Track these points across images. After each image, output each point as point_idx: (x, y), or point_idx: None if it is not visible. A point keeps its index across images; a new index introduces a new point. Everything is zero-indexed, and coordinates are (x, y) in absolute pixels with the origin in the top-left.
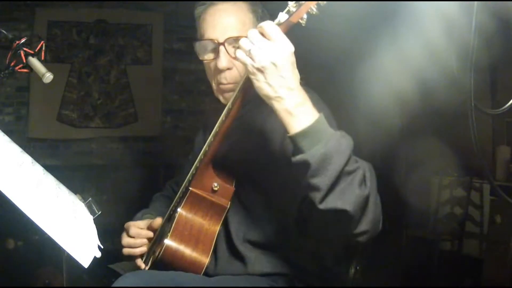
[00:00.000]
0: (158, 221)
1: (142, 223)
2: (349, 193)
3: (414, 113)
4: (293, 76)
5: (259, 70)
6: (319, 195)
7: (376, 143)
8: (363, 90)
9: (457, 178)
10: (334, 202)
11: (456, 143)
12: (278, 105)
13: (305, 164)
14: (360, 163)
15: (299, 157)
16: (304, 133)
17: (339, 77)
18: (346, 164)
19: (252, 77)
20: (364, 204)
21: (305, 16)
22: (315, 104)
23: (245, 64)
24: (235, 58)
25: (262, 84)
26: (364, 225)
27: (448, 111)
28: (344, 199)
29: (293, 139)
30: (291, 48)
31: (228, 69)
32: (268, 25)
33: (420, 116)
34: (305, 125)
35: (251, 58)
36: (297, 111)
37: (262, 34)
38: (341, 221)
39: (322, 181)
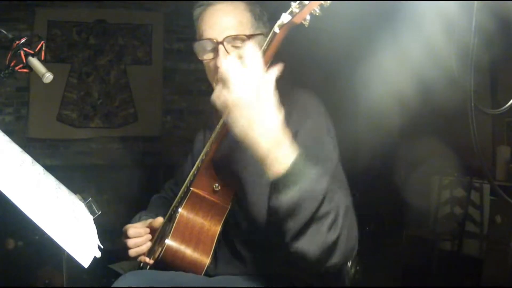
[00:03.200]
0: (159, 220)
1: (139, 225)
2: (317, 238)
3: (414, 113)
4: (266, 116)
5: (231, 109)
6: (288, 236)
7: (376, 143)
8: (363, 90)
9: (457, 178)
10: (301, 245)
11: (456, 143)
12: (252, 147)
13: (278, 207)
14: (334, 203)
15: (274, 200)
16: (278, 178)
17: (339, 77)
18: (317, 209)
19: (225, 112)
20: (332, 247)
21: (308, 17)
22: (314, 109)
23: (218, 100)
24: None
25: (236, 125)
26: (332, 261)
27: (448, 111)
28: (310, 243)
29: (270, 180)
30: (269, 84)
31: None
32: (250, 53)
33: (420, 116)
34: (279, 171)
35: (224, 93)
36: (270, 156)
37: (243, 60)
38: (307, 260)
39: (291, 225)
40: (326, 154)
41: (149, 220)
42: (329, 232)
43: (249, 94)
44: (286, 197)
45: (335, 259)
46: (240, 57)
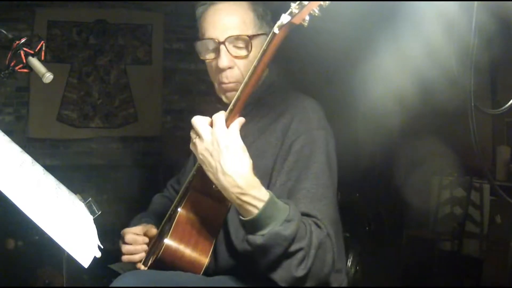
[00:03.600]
0: (152, 231)
1: (138, 229)
2: (287, 274)
3: (414, 113)
4: (234, 165)
5: (201, 161)
6: (259, 268)
7: (376, 143)
8: (363, 90)
9: (457, 178)
10: (273, 276)
11: (456, 143)
12: (224, 193)
13: (249, 244)
14: (305, 241)
15: (246, 236)
16: (248, 221)
17: (339, 77)
18: (286, 249)
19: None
20: (302, 280)
21: (307, 17)
22: (314, 122)
23: (193, 148)
24: (236, 57)
25: (207, 173)
26: (305, 285)
27: (448, 111)
28: (281, 278)
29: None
30: (230, 136)
31: (230, 68)
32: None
33: (420, 116)
34: (249, 215)
35: (194, 148)
36: (240, 200)
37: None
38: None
39: (261, 261)
40: (317, 172)
41: (148, 226)
42: (299, 268)
43: (213, 150)
44: (255, 239)
45: (307, 284)
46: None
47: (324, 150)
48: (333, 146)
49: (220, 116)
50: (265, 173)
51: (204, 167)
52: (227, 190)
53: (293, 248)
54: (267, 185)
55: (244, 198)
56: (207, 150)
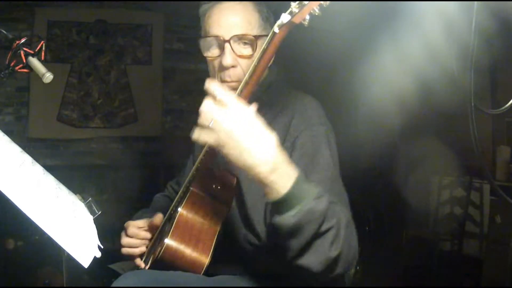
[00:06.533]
0: (159, 217)
1: (141, 223)
2: (320, 255)
3: (414, 113)
4: (260, 142)
5: (221, 145)
6: (289, 254)
7: (376, 143)
8: (363, 90)
9: (457, 178)
10: (304, 261)
11: (456, 143)
12: (249, 173)
13: (279, 227)
14: (335, 219)
15: (275, 220)
16: (278, 201)
17: (339, 77)
18: (319, 228)
19: (217, 148)
20: (335, 261)
21: (307, 17)
22: (315, 118)
23: (206, 142)
24: (240, 56)
25: (230, 156)
26: (336, 272)
27: (448, 111)
28: (312, 260)
29: (269, 203)
30: (249, 112)
31: (233, 66)
32: (220, 94)
33: (420, 116)
34: (279, 194)
35: (211, 133)
36: (269, 179)
37: (219, 103)
38: (311, 274)
39: (293, 244)
40: (323, 164)
41: (151, 219)
42: (332, 248)
43: (235, 128)
44: (287, 219)
45: (337, 270)
46: (215, 99)
47: (327, 145)
48: (334, 142)
49: (232, 96)
50: None
51: (225, 150)
52: (255, 169)
53: (324, 227)
54: None
55: (273, 176)
56: (231, 130)
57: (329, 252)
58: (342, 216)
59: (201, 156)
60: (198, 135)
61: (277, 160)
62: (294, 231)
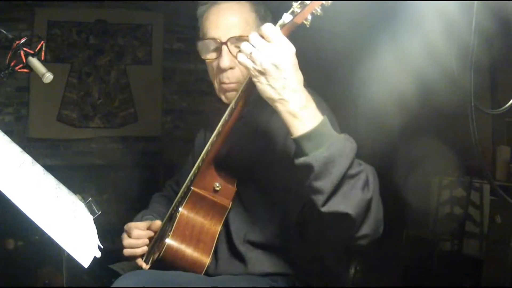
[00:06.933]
0: (157, 223)
1: (142, 224)
2: (352, 196)
3: (414, 113)
4: (296, 77)
5: (261, 72)
6: (321, 198)
7: (376, 143)
8: (364, 90)
9: (457, 178)
10: (336, 205)
11: (456, 143)
12: (281, 107)
13: (308, 167)
14: (364, 166)
15: (302, 160)
16: (307, 136)
17: (339, 77)
18: (350, 167)
19: (254, 79)
20: (366, 208)
21: (309, 17)
22: (318, 106)
23: (247, 67)
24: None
25: (265, 87)
26: (365, 229)
27: (448, 111)
28: (346, 202)
29: (297, 141)
30: (292, 49)
31: (231, 68)
32: (268, 28)
33: (420, 116)
34: (309, 128)
35: (252, 61)
36: (301, 113)
37: (263, 37)
38: (343, 224)
39: (325, 184)
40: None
41: (151, 222)
42: (363, 191)
43: (280, 58)
44: (318, 154)
45: (367, 226)
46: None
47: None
48: (338, 127)
49: (280, 33)
50: (276, 158)
51: (266, 78)
52: (289, 102)
53: (354, 169)
54: (280, 172)
55: (304, 112)
56: (276, 60)
57: (362, 194)
58: (368, 166)
59: (237, 95)
60: (245, 59)
61: (309, 99)
62: (325, 167)
